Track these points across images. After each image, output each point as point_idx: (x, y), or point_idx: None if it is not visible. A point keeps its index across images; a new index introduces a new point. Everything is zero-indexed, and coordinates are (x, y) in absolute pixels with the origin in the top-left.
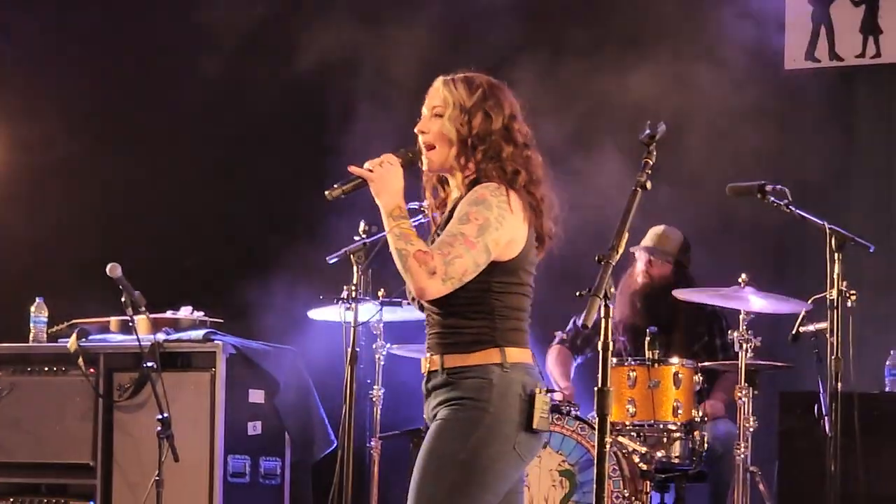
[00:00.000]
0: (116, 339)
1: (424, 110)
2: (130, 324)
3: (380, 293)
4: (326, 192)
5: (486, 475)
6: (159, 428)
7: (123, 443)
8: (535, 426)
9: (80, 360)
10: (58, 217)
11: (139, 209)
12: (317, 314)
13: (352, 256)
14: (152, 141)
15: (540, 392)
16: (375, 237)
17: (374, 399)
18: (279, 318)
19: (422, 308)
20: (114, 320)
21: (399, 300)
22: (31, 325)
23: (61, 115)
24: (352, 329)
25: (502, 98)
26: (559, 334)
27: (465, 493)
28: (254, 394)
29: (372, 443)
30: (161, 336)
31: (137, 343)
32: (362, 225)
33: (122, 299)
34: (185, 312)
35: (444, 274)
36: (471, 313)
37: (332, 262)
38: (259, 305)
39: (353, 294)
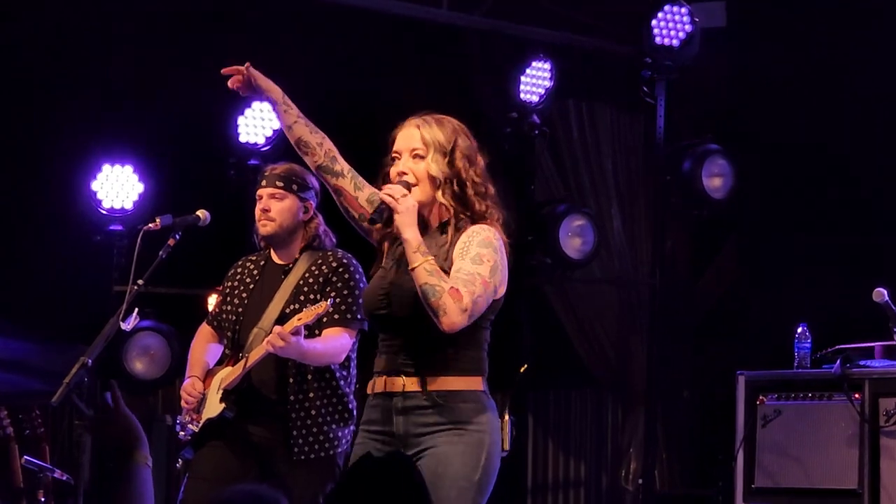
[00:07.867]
0: (881, 363)
1: (398, 154)
2: None
3: None
4: (371, 218)
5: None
6: None
7: (890, 469)
8: (506, 447)
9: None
10: None
11: None
12: None
13: None
14: None
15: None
16: None
17: None
18: None
19: (382, 328)
20: (878, 345)
21: None
22: (795, 350)
23: None
24: None
25: (471, 139)
26: None
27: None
28: None
29: None
30: None
31: None
32: None
33: (889, 324)
34: None
35: (471, 311)
36: (464, 342)
37: None
38: None
39: None
